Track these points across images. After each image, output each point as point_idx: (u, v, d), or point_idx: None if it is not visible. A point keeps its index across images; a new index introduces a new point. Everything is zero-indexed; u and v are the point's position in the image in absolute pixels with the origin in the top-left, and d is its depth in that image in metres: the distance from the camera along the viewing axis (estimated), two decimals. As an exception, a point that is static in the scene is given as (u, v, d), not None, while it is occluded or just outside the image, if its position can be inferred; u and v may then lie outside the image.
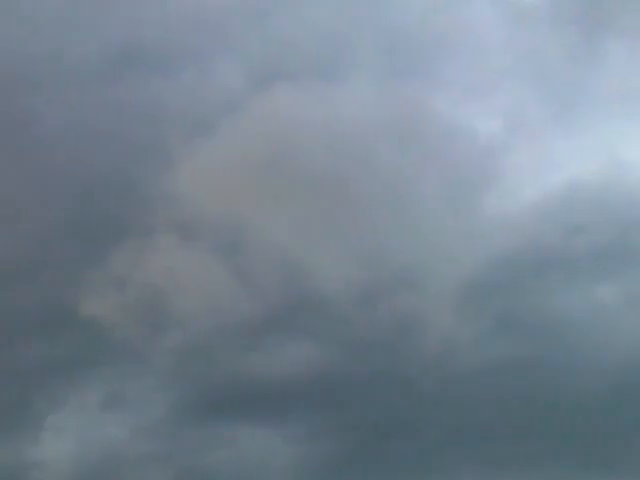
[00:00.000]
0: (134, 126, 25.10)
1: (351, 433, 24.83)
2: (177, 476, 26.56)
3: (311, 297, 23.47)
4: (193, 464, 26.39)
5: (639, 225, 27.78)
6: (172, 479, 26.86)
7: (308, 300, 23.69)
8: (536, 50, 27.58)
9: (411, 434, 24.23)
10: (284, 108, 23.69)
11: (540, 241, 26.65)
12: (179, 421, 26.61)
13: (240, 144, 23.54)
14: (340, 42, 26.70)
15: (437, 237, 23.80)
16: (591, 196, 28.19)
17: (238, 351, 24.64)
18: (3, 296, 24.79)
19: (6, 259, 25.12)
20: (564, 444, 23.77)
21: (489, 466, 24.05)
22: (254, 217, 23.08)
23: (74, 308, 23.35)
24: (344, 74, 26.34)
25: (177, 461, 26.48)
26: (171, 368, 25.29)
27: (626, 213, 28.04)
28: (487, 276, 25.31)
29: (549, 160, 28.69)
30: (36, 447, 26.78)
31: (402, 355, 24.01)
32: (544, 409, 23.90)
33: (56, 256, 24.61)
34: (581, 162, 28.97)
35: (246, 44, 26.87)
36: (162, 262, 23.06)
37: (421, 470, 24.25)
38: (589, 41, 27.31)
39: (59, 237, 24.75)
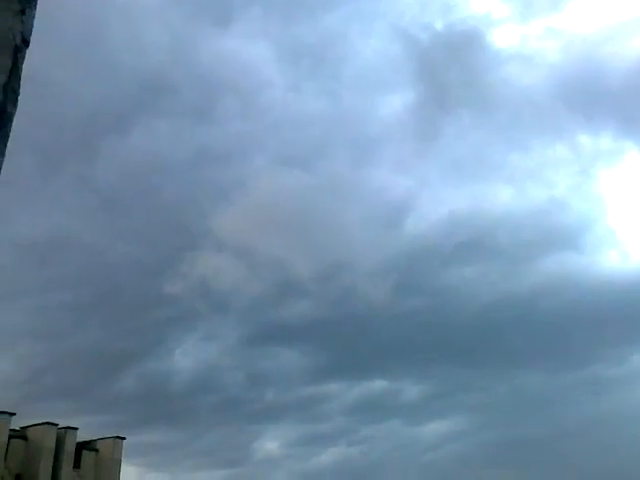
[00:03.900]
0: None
1: (330, 350, 47.25)
2: (247, 376, 49.84)
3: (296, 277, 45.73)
4: (255, 369, 48.93)
5: (490, 234, 49.15)
6: (244, 377, 50.11)
7: (293, 279, 45.90)
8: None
9: (364, 350, 45.69)
10: (279, 184, 47.64)
11: (431, 244, 48.24)
12: (245, 346, 49.43)
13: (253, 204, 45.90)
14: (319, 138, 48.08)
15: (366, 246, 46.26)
16: (466, 221, 49.90)
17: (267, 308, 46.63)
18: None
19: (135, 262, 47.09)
20: (447, 353, 45.31)
21: (413, 366, 45.62)
22: (262, 240, 45.34)
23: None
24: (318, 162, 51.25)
25: (245, 367, 49.49)
26: (235, 317, 47.83)
27: (485, 226, 49.58)
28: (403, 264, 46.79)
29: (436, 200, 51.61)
30: (173, 364, 49.30)
31: (356, 306, 46.08)
32: (438, 333, 45.14)
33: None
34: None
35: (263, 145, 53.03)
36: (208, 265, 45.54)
37: (373, 369, 45.85)
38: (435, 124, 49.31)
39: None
